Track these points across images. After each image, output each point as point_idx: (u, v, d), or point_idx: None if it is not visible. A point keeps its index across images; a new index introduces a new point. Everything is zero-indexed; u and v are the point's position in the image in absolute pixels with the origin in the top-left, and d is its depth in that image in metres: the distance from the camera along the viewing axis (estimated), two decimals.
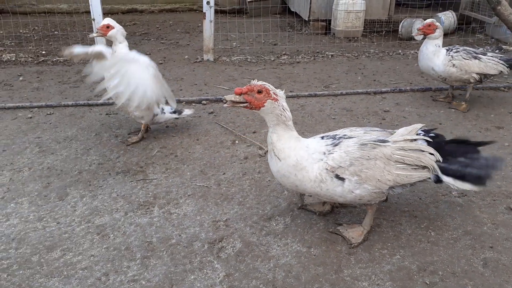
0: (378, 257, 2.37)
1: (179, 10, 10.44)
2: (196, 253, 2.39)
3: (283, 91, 2.31)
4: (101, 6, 5.93)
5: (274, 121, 2.25)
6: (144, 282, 2.19)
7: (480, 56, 4.15)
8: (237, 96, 2.19)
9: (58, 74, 5.56)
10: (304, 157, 2.25)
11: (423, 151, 2.32)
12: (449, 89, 4.64)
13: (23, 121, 4.10)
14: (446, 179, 2.33)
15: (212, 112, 4.38)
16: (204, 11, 6.07)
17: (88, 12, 6.01)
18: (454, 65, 4.11)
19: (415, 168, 2.31)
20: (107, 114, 4.31)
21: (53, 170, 3.24)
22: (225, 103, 2.22)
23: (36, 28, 8.15)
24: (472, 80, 4.19)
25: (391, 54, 6.57)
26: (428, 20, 4.24)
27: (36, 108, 4.41)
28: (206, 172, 3.22)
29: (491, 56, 4.18)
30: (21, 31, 7.88)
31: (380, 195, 2.36)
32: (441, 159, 2.33)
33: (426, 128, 2.52)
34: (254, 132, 3.93)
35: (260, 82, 2.23)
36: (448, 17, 7.70)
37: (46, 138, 3.76)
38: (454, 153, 2.38)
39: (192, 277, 2.22)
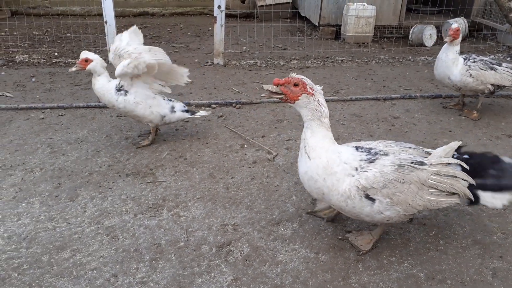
0: (386, 265, 2.36)
1: (190, 13, 10.53)
2: (204, 256, 2.40)
3: (321, 86, 2.28)
4: (114, 9, 6.00)
5: (308, 116, 2.21)
6: (152, 284, 2.21)
7: (496, 66, 4.12)
8: (274, 87, 2.19)
9: (70, 76, 5.63)
10: (336, 162, 2.18)
11: (457, 177, 2.25)
12: (460, 97, 4.62)
13: (35, 122, 4.16)
14: (484, 195, 2.27)
15: (221, 116, 4.40)
16: (215, 15, 6.11)
17: (101, 15, 6.09)
18: (471, 75, 4.07)
19: (446, 194, 2.26)
20: (117, 116, 4.35)
21: (64, 171, 3.29)
22: (263, 93, 2.24)
23: (49, 30, 8.28)
24: (486, 91, 4.17)
25: (401, 60, 6.55)
26: (455, 25, 4.17)
27: (48, 109, 4.47)
28: (215, 176, 3.24)
29: (506, 67, 4.15)
30: (34, 32, 8.00)
31: (408, 217, 2.32)
32: (474, 183, 2.26)
33: (460, 144, 2.40)
34: (263, 137, 3.94)
35: (298, 76, 2.20)
36: (459, 24, 7.65)
37: (57, 139, 3.82)
38: (484, 167, 2.31)
39: (200, 280, 2.24)
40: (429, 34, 7.50)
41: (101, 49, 6.84)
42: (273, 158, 3.52)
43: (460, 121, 4.27)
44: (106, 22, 6.05)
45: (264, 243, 2.51)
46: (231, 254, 2.42)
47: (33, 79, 5.42)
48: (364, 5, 7.42)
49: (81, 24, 8.75)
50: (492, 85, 4.12)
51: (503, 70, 4.11)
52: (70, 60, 6.33)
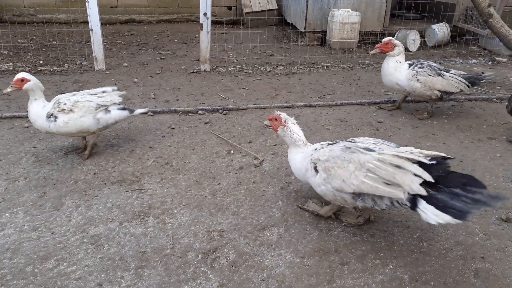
0: (371, 267, 2.39)
1: (177, 20, 10.56)
2: (190, 263, 2.40)
3: (293, 117, 2.86)
4: (99, 16, 5.99)
5: (287, 141, 2.86)
6: None
7: (444, 73, 4.20)
8: (267, 121, 2.98)
9: (55, 83, 5.59)
10: (299, 160, 2.74)
11: (406, 170, 2.19)
12: (399, 99, 4.74)
13: (19, 131, 4.12)
14: (421, 206, 2.12)
15: (208, 122, 4.41)
16: (201, 22, 6.15)
17: (87, 22, 6.07)
18: (418, 80, 4.16)
19: (387, 184, 2.23)
20: None
21: (48, 179, 3.26)
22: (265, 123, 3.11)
23: (34, 38, 8.21)
24: (433, 97, 4.24)
25: None
26: (386, 39, 4.31)
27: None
28: (201, 182, 3.24)
29: (454, 74, 4.22)
30: (19, 40, 7.93)
31: (342, 201, 2.45)
32: (432, 180, 2.14)
33: (446, 156, 2.28)
34: (249, 142, 3.96)
35: (278, 112, 2.86)
36: (441, 29, 7.81)
37: (42, 148, 3.78)
38: (453, 183, 2.13)
39: (186, 287, 2.23)
40: (412, 39, 7.64)
41: (87, 57, 6.82)
42: (260, 163, 3.54)
43: (443, 124, 4.34)
44: (91, 30, 6.03)
45: (250, 248, 2.52)
46: (217, 261, 2.42)
47: None
48: (348, 11, 7.53)
49: (67, 32, 8.70)
50: (439, 91, 4.19)
51: (451, 76, 4.18)
52: (56, 68, 6.28)
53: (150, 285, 2.24)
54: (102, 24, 6.25)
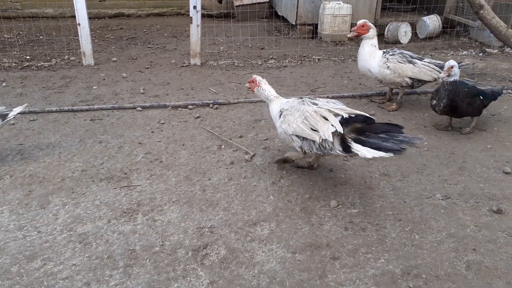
0: (362, 262, 2.37)
1: (167, 14, 10.43)
2: (180, 260, 2.36)
3: (265, 79, 3.36)
4: (87, 10, 5.88)
5: (263, 99, 3.39)
6: None
7: (416, 61, 4.22)
8: (247, 84, 3.43)
9: (42, 79, 5.49)
10: (275, 110, 3.25)
11: (328, 121, 2.74)
12: (388, 91, 4.73)
13: (5, 128, 4.03)
14: (355, 146, 2.59)
15: (198, 117, 4.36)
16: (190, 15, 6.06)
17: (74, 17, 5.95)
18: (388, 67, 4.20)
19: (312, 129, 2.80)
20: (91, 120, 4.26)
21: (35, 177, 3.19)
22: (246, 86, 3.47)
23: (20, 33, 8.06)
24: (404, 84, 4.28)
25: None
26: (361, 21, 4.33)
27: (18, 114, 4.33)
28: (191, 178, 3.19)
29: (428, 62, 4.23)
30: (5, 36, 7.78)
31: (290, 141, 3.05)
32: (341, 131, 2.66)
33: (369, 115, 2.79)
34: (240, 137, 3.91)
35: (254, 76, 3.39)
36: (433, 21, 7.80)
37: (28, 145, 3.71)
38: (377, 130, 2.65)
39: (176, 285, 2.20)
40: (404, 31, 7.61)
41: (75, 52, 6.70)
42: (251, 158, 3.50)
43: (435, 116, 4.33)
44: (79, 24, 5.92)
45: (241, 244, 2.48)
46: (208, 257, 2.38)
47: (4, 84, 5.26)
48: (340, 3, 7.48)
49: (54, 27, 8.54)
50: (410, 78, 4.22)
51: (423, 65, 4.19)
52: (43, 63, 6.17)
53: (139, 284, 2.20)
54: (90, 18, 6.14)
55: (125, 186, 3.08)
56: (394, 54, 4.25)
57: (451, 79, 3.67)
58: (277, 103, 3.26)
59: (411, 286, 2.19)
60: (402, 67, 4.19)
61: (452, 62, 3.66)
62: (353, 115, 2.78)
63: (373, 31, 4.29)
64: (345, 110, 2.82)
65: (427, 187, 3.10)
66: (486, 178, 3.20)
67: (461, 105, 3.70)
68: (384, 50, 4.35)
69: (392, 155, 2.45)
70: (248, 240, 2.52)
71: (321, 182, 3.16)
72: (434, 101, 3.82)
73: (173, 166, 3.37)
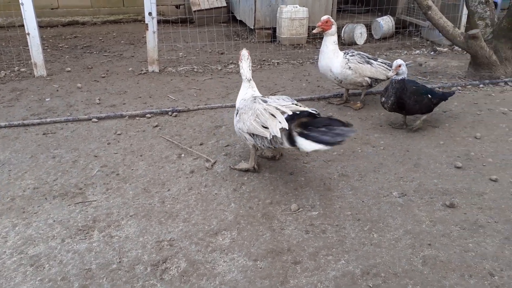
0: (323, 264, 2.39)
1: (123, 21, 10.20)
2: (138, 277, 2.29)
3: (247, 54, 3.42)
4: (37, 19, 5.64)
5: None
6: None
7: (372, 61, 4.43)
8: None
9: None
10: (240, 97, 3.40)
11: (276, 118, 2.89)
12: (345, 93, 4.85)
13: None
14: (298, 140, 2.77)
15: (157, 126, 4.27)
16: (146, 22, 5.95)
17: (24, 26, 5.69)
18: (350, 67, 4.35)
19: (264, 127, 2.95)
20: (44, 134, 4.08)
21: None
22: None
23: None
24: (364, 83, 4.46)
25: None
26: (325, 16, 4.44)
27: None
28: (150, 190, 3.12)
29: (381, 62, 4.47)
30: None
31: (244, 139, 3.22)
32: (287, 127, 2.82)
33: (314, 112, 2.97)
34: (201, 144, 3.87)
35: (242, 51, 3.44)
36: (386, 22, 8.05)
37: None
38: (319, 125, 2.82)
39: None
40: (359, 33, 7.81)
41: (26, 63, 6.41)
42: (212, 166, 3.47)
43: (390, 115, 4.46)
44: (28, 34, 5.67)
45: (202, 256, 2.44)
46: (167, 272, 2.33)
47: None
48: (296, 7, 7.58)
49: (3, 37, 8.15)
50: (369, 78, 4.41)
51: (378, 64, 4.43)
52: None
53: None
54: (42, 27, 5.90)
55: (80, 202, 2.96)
56: (353, 55, 4.41)
57: (399, 77, 3.81)
58: (244, 89, 3.40)
59: (371, 285, 2.23)
60: (362, 67, 4.35)
61: (399, 61, 3.79)
62: (297, 112, 2.93)
63: (335, 27, 4.41)
64: (290, 108, 2.97)
65: (384, 186, 3.17)
66: (440, 174, 3.32)
67: (408, 103, 3.84)
68: (344, 51, 4.47)
69: (329, 147, 2.70)
70: (209, 250, 2.48)
71: (282, 186, 3.17)
72: (383, 98, 3.95)
73: (131, 179, 3.27)
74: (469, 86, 5.32)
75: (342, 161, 3.55)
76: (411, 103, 3.85)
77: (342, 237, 2.61)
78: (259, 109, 3.02)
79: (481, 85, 5.31)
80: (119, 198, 3.01)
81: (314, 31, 4.53)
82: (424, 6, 5.30)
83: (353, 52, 4.47)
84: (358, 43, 7.78)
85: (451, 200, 2.92)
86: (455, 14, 7.30)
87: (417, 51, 7.21)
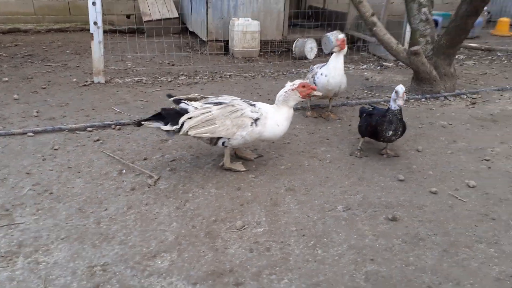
0: (266, 284, 2.31)
1: (70, 30, 9.78)
2: None
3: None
4: None
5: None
6: None
7: None
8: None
9: None
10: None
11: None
12: (309, 103, 5.00)
13: None
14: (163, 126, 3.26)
15: (98, 140, 4.05)
16: (91, 31, 5.71)
17: None
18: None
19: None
20: None
21: None
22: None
23: None
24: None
25: (285, 73, 6.81)
26: (341, 35, 4.56)
27: None
28: (85, 210, 2.91)
29: None
30: None
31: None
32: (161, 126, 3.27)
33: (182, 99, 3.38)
34: (145, 159, 3.70)
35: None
36: (335, 37, 8.25)
37: None
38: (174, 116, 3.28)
39: None
40: (310, 47, 7.95)
41: None
42: (155, 182, 3.31)
43: (336, 129, 4.52)
44: None
45: (138, 281, 2.29)
46: None
47: None
48: (248, 20, 7.60)
49: None
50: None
51: None
52: None
53: None
54: None
55: (5, 225, 2.71)
56: None
57: (398, 106, 3.57)
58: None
59: None
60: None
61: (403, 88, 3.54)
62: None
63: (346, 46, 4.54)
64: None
65: (329, 199, 3.17)
66: (383, 187, 3.37)
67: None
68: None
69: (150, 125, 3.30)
70: (146, 275, 2.33)
71: (228, 203, 3.08)
72: (390, 132, 3.60)
73: (65, 198, 3.05)
74: (412, 100, 5.53)
75: (289, 174, 3.52)
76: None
77: (286, 254, 2.56)
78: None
79: (423, 99, 5.55)
80: (50, 220, 2.78)
81: (333, 50, 4.48)
82: (369, 22, 5.48)
83: None
84: (308, 57, 7.91)
85: (393, 214, 2.96)
86: (399, 30, 7.62)
87: (364, 66, 7.45)
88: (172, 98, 3.43)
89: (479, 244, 2.71)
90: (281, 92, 3.46)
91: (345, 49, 4.52)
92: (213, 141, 3.36)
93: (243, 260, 2.49)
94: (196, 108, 3.31)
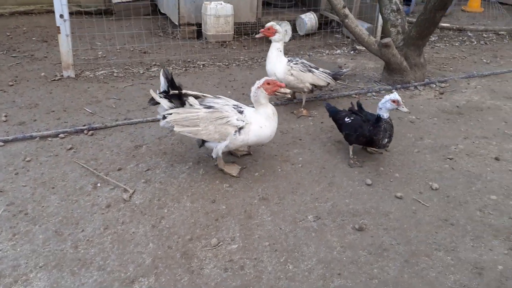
0: None
1: (35, 12, 9.31)
2: None
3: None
4: None
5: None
6: None
7: (314, 70, 4.86)
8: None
9: None
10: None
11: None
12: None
13: None
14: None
15: (71, 148, 4.03)
16: (58, 25, 5.51)
17: None
18: (292, 74, 4.71)
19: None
20: None
21: None
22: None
23: None
24: (306, 89, 4.85)
25: (259, 61, 6.78)
26: (268, 24, 4.75)
27: None
28: (62, 232, 2.96)
29: (322, 71, 4.91)
30: None
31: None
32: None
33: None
34: (119, 170, 3.73)
35: None
36: (309, 18, 8.20)
37: None
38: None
39: None
40: (285, 30, 7.88)
41: None
42: (129, 197, 3.37)
43: (309, 127, 4.61)
44: None
45: None
46: None
47: None
48: (221, 3, 7.43)
49: None
50: (310, 84, 4.81)
51: (319, 73, 4.87)
52: None
53: None
54: None
55: None
56: (297, 64, 4.76)
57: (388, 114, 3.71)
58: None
59: None
60: (303, 75, 4.72)
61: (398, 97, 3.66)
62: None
63: (279, 35, 4.68)
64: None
65: (300, 209, 3.31)
66: (352, 193, 3.53)
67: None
68: (289, 58, 4.78)
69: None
70: None
71: (203, 218, 3.18)
72: (385, 140, 3.72)
73: (41, 219, 3.08)
74: (383, 92, 5.65)
75: (263, 181, 3.63)
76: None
77: (259, 272, 2.70)
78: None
79: (393, 90, 5.67)
80: (27, 245, 2.83)
81: (256, 36, 4.80)
82: (341, 14, 5.47)
83: (297, 60, 4.80)
84: (284, 40, 7.84)
85: (360, 223, 3.13)
86: (372, 14, 7.62)
87: (338, 51, 7.47)
88: (183, 91, 3.58)
89: (438, 252, 2.92)
90: (251, 93, 3.55)
91: (275, 38, 4.67)
92: (199, 142, 3.59)
93: (218, 281, 2.62)
94: (191, 105, 3.52)
